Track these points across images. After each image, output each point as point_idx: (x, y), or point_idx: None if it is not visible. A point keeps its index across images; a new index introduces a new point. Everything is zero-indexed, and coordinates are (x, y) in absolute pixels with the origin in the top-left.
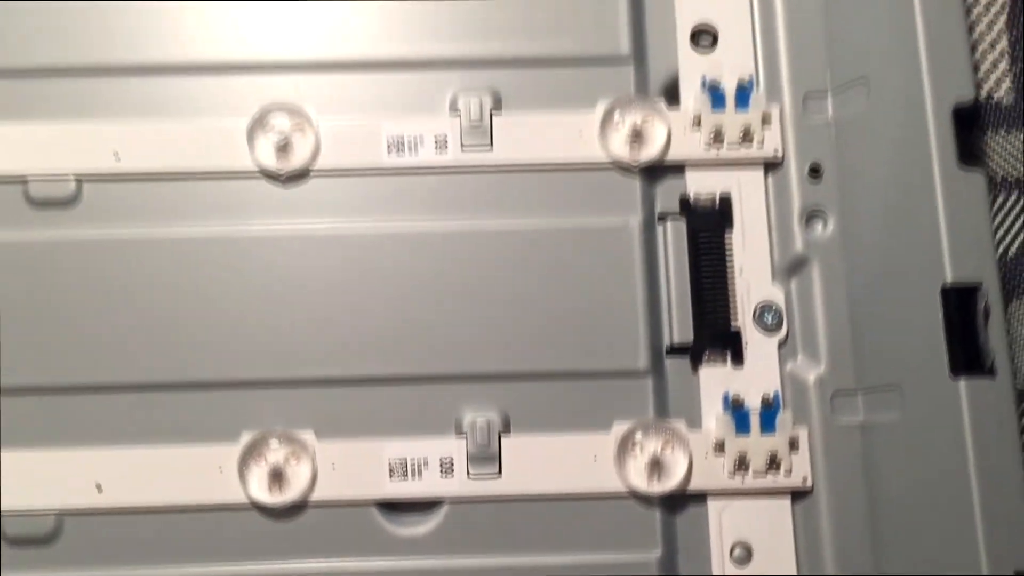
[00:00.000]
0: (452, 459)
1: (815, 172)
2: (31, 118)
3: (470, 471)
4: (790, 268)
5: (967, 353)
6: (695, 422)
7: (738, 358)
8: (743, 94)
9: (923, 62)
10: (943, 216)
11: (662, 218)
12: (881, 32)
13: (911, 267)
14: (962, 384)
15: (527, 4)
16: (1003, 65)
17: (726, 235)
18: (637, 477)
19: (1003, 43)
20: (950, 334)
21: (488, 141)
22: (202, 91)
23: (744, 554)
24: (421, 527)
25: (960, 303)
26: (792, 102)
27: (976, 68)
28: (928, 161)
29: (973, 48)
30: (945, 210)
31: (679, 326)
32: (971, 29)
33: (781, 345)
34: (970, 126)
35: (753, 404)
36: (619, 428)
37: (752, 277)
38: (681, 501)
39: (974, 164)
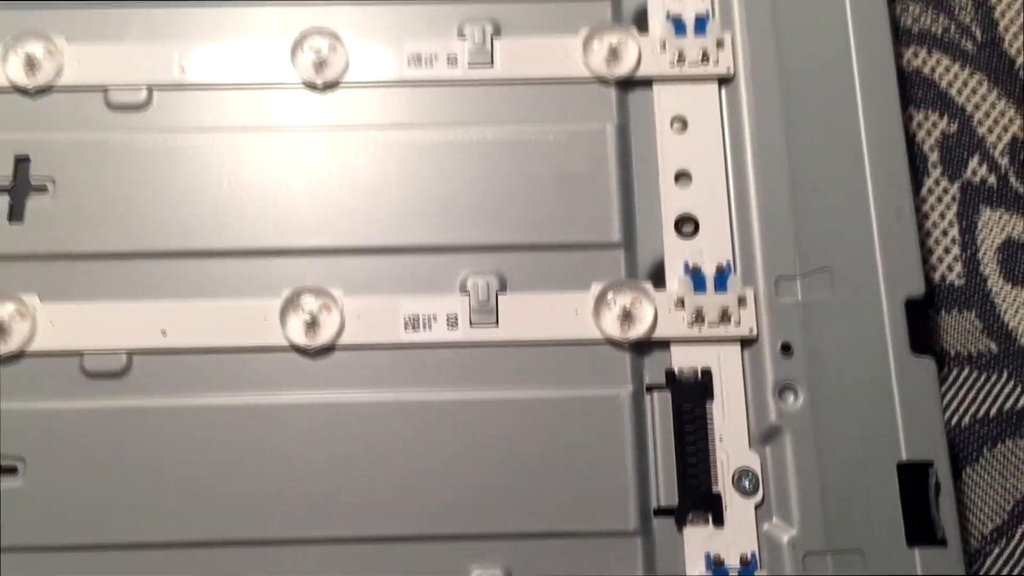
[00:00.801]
0: None
1: (786, 349)
2: (88, 298)
3: None
4: (765, 437)
5: (921, 525)
6: None
7: (719, 519)
8: (721, 278)
9: (878, 259)
10: (897, 399)
11: (650, 390)
12: (842, 228)
13: (871, 442)
14: (916, 553)
15: (529, 196)
16: (955, 251)
17: (707, 405)
18: None
19: (954, 231)
20: (906, 507)
21: (494, 319)
22: (240, 273)
23: None
24: None
25: (915, 477)
26: (765, 286)
27: (930, 253)
28: (884, 348)
29: (927, 235)
30: (899, 394)
31: (665, 489)
32: (926, 217)
33: (758, 507)
34: (925, 307)
35: (732, 563)
36: None
37: (731, 445)
38: None
39: (926, 351)
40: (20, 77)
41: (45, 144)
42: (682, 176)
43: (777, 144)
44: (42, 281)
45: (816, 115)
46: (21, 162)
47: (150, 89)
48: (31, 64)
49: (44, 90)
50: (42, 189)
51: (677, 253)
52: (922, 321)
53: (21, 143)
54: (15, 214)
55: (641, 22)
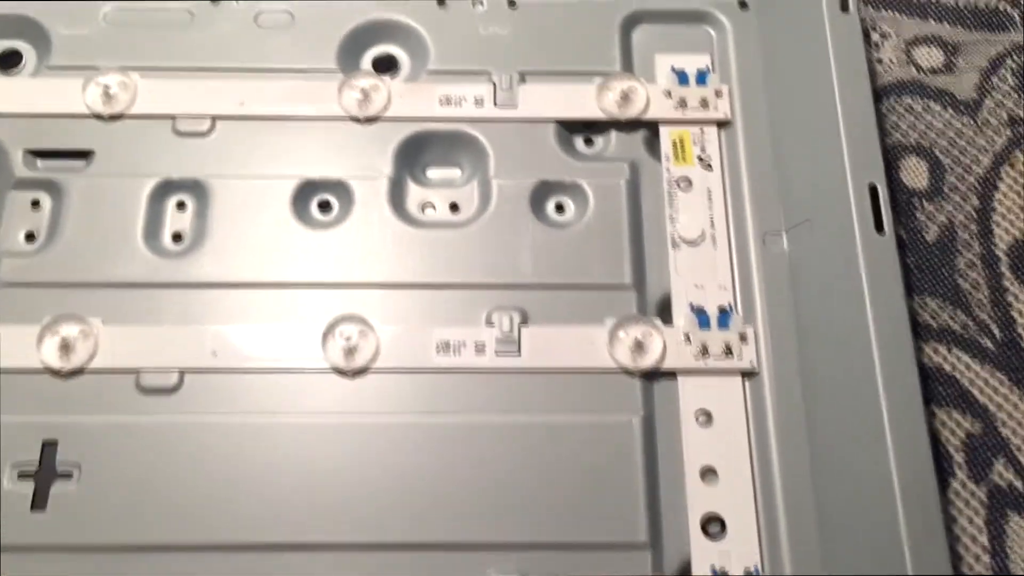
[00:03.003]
0: None
1: None
2: None
3: None
4: None
5: None
6: None
7: None
8: None
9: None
10: None
11: None
12: (871, 536)
13: None
14: None
15: (553, 490)
16: (985, 559)
17: None
18: None
19: (984, 538)
20: None
21: None
22: (264, 570)
23: None
24: None
25: None
26: None
27: (959, 559)
28: None
29: (957, 539)
30: None
31: None
32: (954, 520)
33: None
34: None
35: None
36: None
37: None
38: None
39: None
40: (54, 359)
41: (73, 427)
42: (708, 472)
43: (801, 441)
44: (61, 573)
45: (839, 412)
46: (48, 446)
47: (181, 373)
48: (66, 347)
49: (76, 372)
50: (67, 475)
51: (704, 556)
52: None
53: (49, 427)
54: (38, 502)
55: (665, 313)
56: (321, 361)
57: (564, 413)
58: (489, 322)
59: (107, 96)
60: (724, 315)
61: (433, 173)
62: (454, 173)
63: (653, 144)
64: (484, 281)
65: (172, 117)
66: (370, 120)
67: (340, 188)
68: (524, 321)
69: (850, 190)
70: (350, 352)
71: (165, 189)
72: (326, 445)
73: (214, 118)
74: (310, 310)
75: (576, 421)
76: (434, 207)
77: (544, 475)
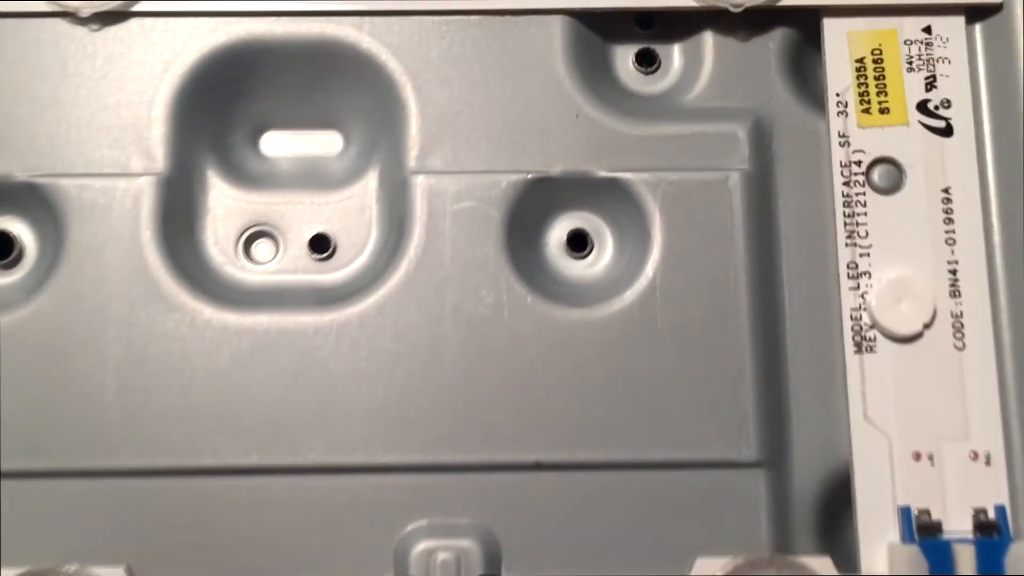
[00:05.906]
0: None
1: None
2: None
3: None
4: None
5: None
6: None
7: None
8: None
9: None
10: None
11: None
12: None
13: None
14: None
15: None
16: None
17: None
18: None
19: None
20: None
21: None
22: None
23: None
24: None
25: None
26: None
27: None
28: None
29: None
30: None
31: None
32: None
33: None
34: None
35: None
36: None
37: None
38: None
39: None
40: None
41: None
42: None
43: None
44: None
45: None
46: None
47: None
48: None
49: None
50: None
51: None
52: None
53: None
54: None
55: (837, 531)
56: None
57: None
58: (402, 572)
59: None
60: (990, 544)
61: (273, 147)
62: (326, 147)
63: (804, 67)
64: (390, 461)
65: None
66: (111, 17)
67: (29, 197)
68: (490, 568)
69: None
70: None
71: None
72: None
73: None
74: None
75: None
76: (276, 243)
77: None
